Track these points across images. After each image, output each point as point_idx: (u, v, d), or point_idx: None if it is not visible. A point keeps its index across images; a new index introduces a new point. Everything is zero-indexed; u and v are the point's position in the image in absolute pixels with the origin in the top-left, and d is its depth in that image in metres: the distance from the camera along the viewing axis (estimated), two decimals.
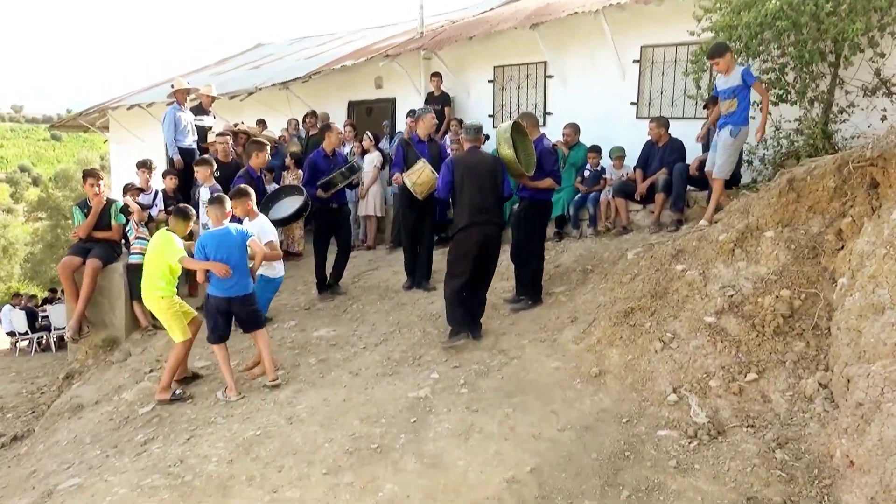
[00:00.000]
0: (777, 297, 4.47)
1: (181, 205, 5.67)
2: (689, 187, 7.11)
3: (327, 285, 7.32)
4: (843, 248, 4.56)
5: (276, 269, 5.94)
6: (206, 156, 7.73)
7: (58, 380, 6.48)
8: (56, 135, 68.19)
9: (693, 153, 7.28)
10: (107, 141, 17.83)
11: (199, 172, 7.02)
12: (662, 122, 7.34)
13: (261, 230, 5.53)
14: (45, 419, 5.75)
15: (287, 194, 6.89)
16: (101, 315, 6.68)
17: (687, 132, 7.52)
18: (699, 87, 7.26)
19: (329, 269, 7.36)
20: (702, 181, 6.95)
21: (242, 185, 5.68)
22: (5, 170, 75.95)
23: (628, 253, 6.34)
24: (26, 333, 14.19)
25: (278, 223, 6.51)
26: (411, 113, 7.11)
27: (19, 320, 14.28)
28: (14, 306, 14.95)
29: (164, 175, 7.61)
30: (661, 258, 5.63)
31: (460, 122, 9.23)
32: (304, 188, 6.80)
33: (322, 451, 3.99)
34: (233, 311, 5.20)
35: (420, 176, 6.26)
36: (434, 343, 5.65)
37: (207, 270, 5.07)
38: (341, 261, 7.32)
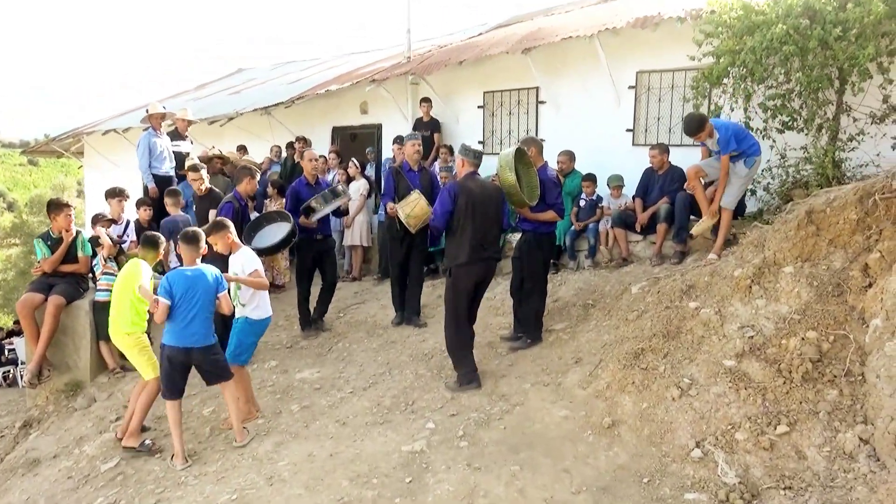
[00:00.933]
0: (803, 338, 4.12)
1: (149, 233, 5.15)
2: (692, 217, 6.80)
3: (311, 321, 6.87)
4: (871, 285, 4.23)
5: (262, 309, 5.05)
6: (174, 187, 7.33)
7: (14, 429, 5.93)
8: (33, 160, 67.00)
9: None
10: (81, 167, 17.29)
11: (168, 204, 6.66)
12: (664, 149, 7.06)
13: (245, 261, 4.97)
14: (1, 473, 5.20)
15: (270, 221, 6.41)
16: (63, 357, 6.14)
17: (686, 160, 7.22)
18: None
19: (313, 304, 6.92)
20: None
21: (220, 219, 5.14)
22: None
23: (632, 287, 5.99)
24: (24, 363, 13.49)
25: (263, 252, 6.04)
26: (398, 139, 6.74)
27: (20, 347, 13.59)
28: (12, 334, 14.25)
29: (138, 205, 7.16)
30: (669, 294, 5.28)
31: (450, 148, 8.91)
32: (289, 214, 6.37)
33: None
34: (192, 363, 4.58)
35: (414, 208, 5.86)
36: (427, 387, 5.22)
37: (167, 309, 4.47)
38: (326, 295, 6.89)
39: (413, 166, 6.61)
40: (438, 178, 8.69)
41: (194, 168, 7.19)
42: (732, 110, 6.61)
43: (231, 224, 5.04)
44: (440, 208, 5.11)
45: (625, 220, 7.11)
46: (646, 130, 8.33)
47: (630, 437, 4.05)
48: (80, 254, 6.12)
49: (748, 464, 3.62)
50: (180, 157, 8.36)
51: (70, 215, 5.99)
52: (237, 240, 5.09)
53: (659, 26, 7.50)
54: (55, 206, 6.06)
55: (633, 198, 7.26)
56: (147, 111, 8.26)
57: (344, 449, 4.34)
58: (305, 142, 10.01)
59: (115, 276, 6.08)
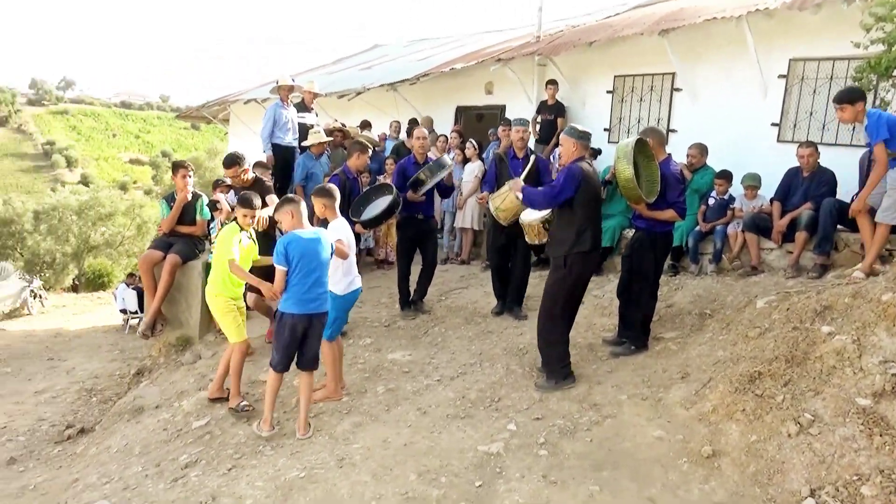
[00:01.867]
0: None
1: (245, 192, 5.15)
2: (838, 227, 5.99)
3: (410, 301, 6.81)
4: None
5: (347, 282, 4.90)
6: (261, 160, 7.53)
7: (128, 375, 6.36)
8: (195, 125, 73.11)
9: (846, 187, 6.15)
10: (227, 133, 18.44)
11: (258, 174, 6.89)
12: (816, 148, 6.25)
13: (333, 230, 4.84)
14: (107, 418, 5.59)
15: (379, 195, 6.40)
16: (177, 313, 6.50)
17: (840, 162, 6.38)
18: None
19: (414, 285, 6.85)
20: (855, 222, 5.81)
21: (323, 185, 5.19)
22: (149, 154, 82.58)
23: (758, 300, 5.35)
24: (136, 312, 14.80)
25: (369, 223, 6.07)
26: (506, 122, 6.43)
27: (131, 299, 14.89)
28: (128, 285, 15.66)
29: (253, 167, 7.33)
30: (800, 313, 4.63)
31: None
32: (392, 186, 6.31)
33: None
34: (309, 334, 4.47)
35: (504, 200, 5.57)
36: (516, 384, 4.96)
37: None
38: (425, 277, 6.79)
39: (518, 153, 6.28)
40: (555, 164, 8.32)
41: (234, 161, 6.97)
42: None
43: (335, 192, 4.97)
44: (557, 189, 4.74)
45: (758, 225, 6.39)
46: (794, 126, 7.45)
47: (731, 472, 3.58)
48: (198, 217, 6.42)
49: None
50: (304, 129, 8.55)
51: (186, 176, 6.27)
52: (336, 209, 4.94)
53: (821, 8, 6.62)
54: (175, 167, 6.37)
55: (772, 200, 6.51)
56: (277, 83, 8.51)
57: (419, 440, 4.20)
58: (416, 122, 9.98)
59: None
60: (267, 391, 4.60)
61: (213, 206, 6.54)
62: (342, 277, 4.88)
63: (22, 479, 4.83)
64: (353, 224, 6.01)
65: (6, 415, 6.35)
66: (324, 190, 5.01)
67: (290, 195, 4.81)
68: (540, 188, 5.20)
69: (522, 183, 5.33)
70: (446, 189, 6.92)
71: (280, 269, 4.31)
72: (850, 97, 5.05)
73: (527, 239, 5.52)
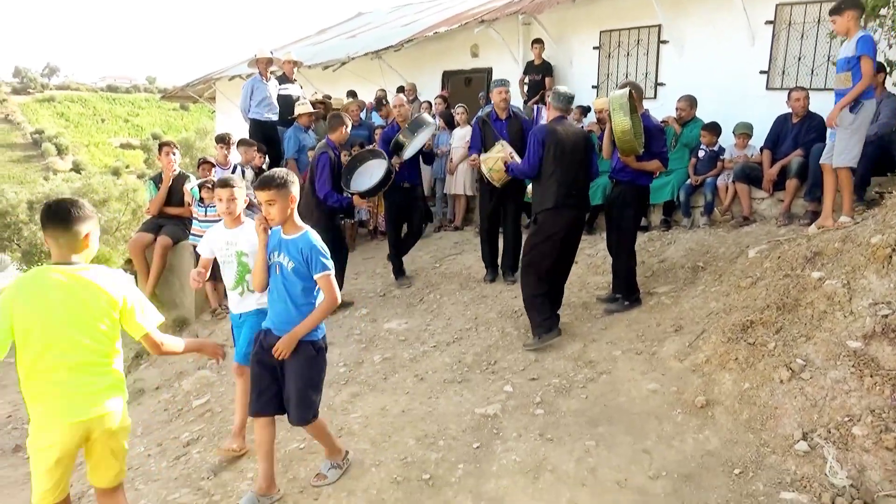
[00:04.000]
0: None
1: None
2: None
3: (402, 270, 6.83)
4: None
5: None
6: (245, 138, 7.43)
7: (128, 360, 6.38)
8: (184, 105, 72.40)
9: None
10: (213, 112, 18.23)
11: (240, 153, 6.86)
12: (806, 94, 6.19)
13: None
14: None
15: (363, 161, 6.28)
16: (171, 294, 6.50)
17: (830, 106, 6.27)
18: None
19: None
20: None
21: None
22: (140, 137, 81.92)
23: (750, 250, 5.36)
24: None
25: (367, 194, 6.02)
26: (494, 83, 6.35)
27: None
28: (125, 271, 15.70)
29: (238, 145, 7.28)
30: (791, 260, 4.64)
31: None
32: (380, 150, 6.25)
33: (366, 479, 3.46)
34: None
35: (497, 162, 5.53)
36: (511, 346, 4.99)
37: None
38: (409, 241, 6.82)
39: (501, 115, 6.21)
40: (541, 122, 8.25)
41: (221, 139, 7.15)
42: (891, 47, 5.63)
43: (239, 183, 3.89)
44: (530, 154, 4.85)
45: (749, 175, 6.37)
46: (783, 72, 7.38)
47: (725, 421, 3.62)
48: (186, 198, 6.37)
49: (864, 464, 3.10)
50: (289, 101, 8.40)
51: (170, 153, 6.21)
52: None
53: None
54: (160, 146, 6.32)
55: (761, 149, 6.47)
56: (255, 56, 8.37)
57: (417, 406, 4.24)
58: (403, 90, 9.92)
59: (199, 220, 6.32)
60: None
61: (202, 186, 6.50)
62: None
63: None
64: (349, 197, 5.99)
65: (10, 404, 6.40)
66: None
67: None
68: (520, 162, 5.18)
69: (511, 158, 5.38)
70: (428, 155, 6.85)
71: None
72: (838, 7, 4.96)
73: (499, 183, 5.57)
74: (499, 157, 5.52)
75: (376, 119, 9.57)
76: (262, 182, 3.14)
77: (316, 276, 3.17)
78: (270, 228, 3.24)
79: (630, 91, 4.98)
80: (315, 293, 3.26)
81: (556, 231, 4.85)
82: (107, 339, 2.62)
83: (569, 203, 4.81)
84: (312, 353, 3.27)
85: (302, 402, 3.28)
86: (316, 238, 3.22)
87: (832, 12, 5.07)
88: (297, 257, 3.16)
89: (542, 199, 4.83)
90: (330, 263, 3.20)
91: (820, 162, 5.29)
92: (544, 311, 4.88)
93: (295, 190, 3.19)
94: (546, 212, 4.84)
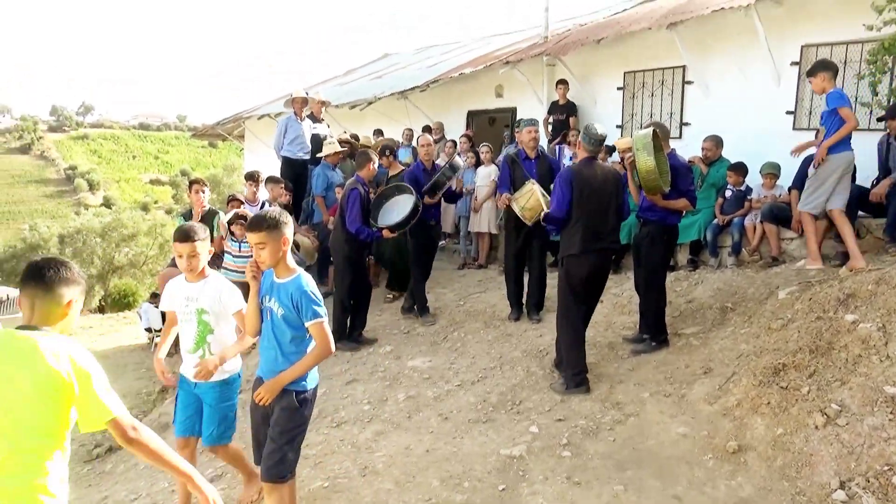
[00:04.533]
0: None
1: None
2: (859, 213, 5.89)
3: (428, 307, 6.85)
4: None
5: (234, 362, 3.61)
6: (275, 175, 7.64)
7: (154, 393, 6.43)
8: (213, 143, 74.12)
9: (865, 173, 6.06)
10: (242, 150, 18.63)
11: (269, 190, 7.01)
12: None
13: (224, 290, 3.47)
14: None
15: (389, 197, 6.42)
16: None
17: (858, 147, 6.22)
18: (876, 93, 5.99)
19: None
20: (876, 207, 5.73)
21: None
22: (169, 173, 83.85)
23: (780, 291, 5.28)
24: (160, 331, 14.99)
25: (397, 227, 6.11)
26: (523, 122, 6.44)
27: (155, 317, 15.10)
28: (152, 304, 15.88)
29: (266, 182, 7.43)
30: (823, 302, 4.56)
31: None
32: (406, 185, 6.38)
33: None
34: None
35: (529, 199, 5.57)
36: (537, 386, 4.93)
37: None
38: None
39: (530, 154, 6.27)
40: (570, 163, 8.28)
41: (250, 176, 7.50)
42: None
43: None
44: (557, 197, 4.80)
45: (777, 215, 6.30)
46: (810, 113, 7.36)
47: (758, 467, 3.52)
48: (215, 234, 6.48)
49: None
50: (317, 140, 8.60)
51: (200, 191, 6.35)
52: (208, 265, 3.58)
53: None
54: (189, 184, 6.46)
55: (790, 189, 6.41)
56: (291, 95, 8.59)
57: (442, 446, 4.19)
58: (429, 130, 10.09)
59: (233, 255, 6.45)
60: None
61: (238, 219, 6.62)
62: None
63: None
64: (379, 231, 6.12)
65: None
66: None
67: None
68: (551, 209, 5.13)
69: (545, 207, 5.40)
70: (454, 194, 6.95)
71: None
72: (813, 70, 5.42)
73: (531, 221, 5.54)
74: (531, 195, 5.55)
75: (403, 156, 9.73)
76: (252, 224, 2.95)
77: (307, 325, 2.95)
78: (262, 273, 3.07)
79: (654, 130, 5.00)
80: (307, 341, 3.03)
81: (580, 277, 4.83)
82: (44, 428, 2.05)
83: (595, 248, 4.75)
84: (294, 404, 3.02)
85: (272, 455, 3.00)
86: (308, 283, 2.99)
87: (808, 74, 5.53)
88: (287, 303, 2.95)
89: (569, 244, 4.79)
90: (322, 311, 2.96)
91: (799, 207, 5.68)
92: (579, 364, 4.78)
93: (288, 231, 2.97)
94: (571, 258, 4.80)
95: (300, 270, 3.05)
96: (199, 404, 3.56)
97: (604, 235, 4.80)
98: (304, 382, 3.08)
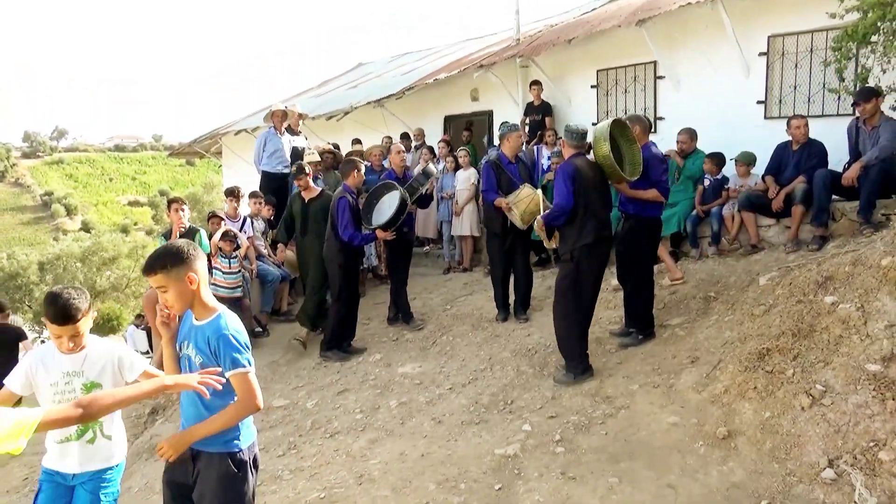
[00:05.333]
0: None
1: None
2: (833, 197, 6.00)
3: (410, 312, 6.89)
4: None
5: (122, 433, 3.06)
6: (256, 190, 7.65)
7: (144, 415, 6.37)
8: (190, 161, 73.62)
9: (836, 157, 6.17)
10: (220, 166, 18.54)
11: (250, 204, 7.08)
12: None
13: (123, 356, 2.93)
14: (126, 459, 5.59)
15: (379, 196, 6.45)
16: None
17: (828, 132, 6.41)
18: (843, 79, 6.11)
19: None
20: (849, 190, 5.84)
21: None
22: (147, 194, 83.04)
23: (760, 278, 5.37)
24: (147, 353, 14.85)
25: (388, 224, 6.15)
26: (503, 127, 6.49)
27: (141, 339, 14.96)
28: (137, 326, 15.73)
29: (249, 197, 7.43)
30: (803, 286, 4.64)
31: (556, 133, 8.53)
32: (392, 182, 6.45)
33: None
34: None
35: (529, 204, 5.65)
36: (527, 385, 4.97)
37: None
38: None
39: (511, 158, 6.34)
40: (549, 163, 8.35)
41: (230, 192, 7.52)
42: (884, 72, 5.73)
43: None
44: (563, 192, 4.81)
45: (754, 203, 6.40)
46: (780, 101, 7.49)
47: (748, 451, 3.58)
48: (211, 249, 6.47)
49: (893, 489, 3.05)
50: (296, 153, 8.59)
51: (179, 210, 6.34)
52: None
53: None
54: (169, 203, 6.44)
55: (763, 176, 6.52)
56: (270, 109, 8.58)
57: (436, 449, 4.21)
58: (408, 137, 10.31)
59: (230, 273, 6.42)
60: None
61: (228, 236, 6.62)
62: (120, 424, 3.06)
63: None
64: (373, 233, 6.18)
65: (27, 466, 6.36)
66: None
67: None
68: (550, 209, 5.16)
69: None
70: (425, 198, 6.99)
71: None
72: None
73: (545, 245, 5.54)
74: (531, 200, 5.61)
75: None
76: (146, 267, 2.43)
77: (227, 375, 2.40)
78: (175, 318, 2.55)
79: (620, 120, 5.11)
80: (234, 394, 2.45)
81: (595, 267, 4.91)
82: None
83: (605, 235, 4.89)
84: (231, 470, 2.47)
85: None
86: (230, 324, 2.46)
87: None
88: (205, 350, 2.45)
89: (579, 236, 4.81)
90: (245, 359, 2.43)
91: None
92: (582, 350, 4.87)
93: (198, 265, 2.44)
94: (585, 247, 4.81)
95: (221, 309, 2.52)
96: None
97: (607, 225, 4.96)
98: (235, 441, 2.50)
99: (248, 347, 2.47)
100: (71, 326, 2.69)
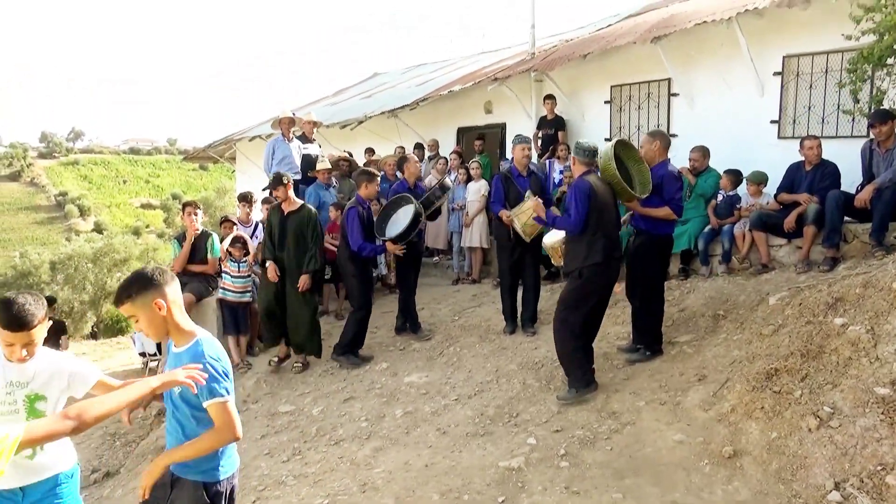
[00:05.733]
0: None
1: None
2: (845, 218, 5.98)
3: (419, 323, 6.89)
4: None
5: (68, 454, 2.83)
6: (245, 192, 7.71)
7: (150, 417, 6.41)
8: (203, 165, 74.24)
9: (849, 178, 6.16)
10: (234, 171, 18.68)
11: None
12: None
13: (75, 370, 2.78)
14: (131, 460, 5.64)
15: (396, 208, 6.50)
16: None
17: (842, 153, 6.39)
18: (857, 101, 6.11)
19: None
20: (862, 212, 5.82)
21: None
22: (160, 197, 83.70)
23: (770, 297, 5.35)
24: (155, 354, 14.91)
25: (401, 237, 6.18)
26: (516, 139, 6.53)
27: (149, 341, 15.02)
28: None
29: (262, 203, 7.50)
30: (812, 307, 4.63)
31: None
32: (408, 195, 6.47)
33: None
34: None
35: (531, 216, 5.67)
36: (533, 398, 4.97)
37: None
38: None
39: (522, 171, 6.37)
40: (560, 177, 8.38)
41: (243, 197, 7.57)
42: None
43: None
44: (577, 208, 4.80)
45: (765, 222, 6.38)
46: (794, 121, 7.48)
47: (754, 471, 3.56)
48: (209, 255, 6.52)
49: None
50: (309, 160, 8.64)
51: (192, 214, 6.40)
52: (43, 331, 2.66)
53: (810, 4, 6.69)
54: (183, 206, 6.50)
55: (775, 196, 6.51)
56: (278, 116, 8.65)
57: (440, 460, 4.21)
58: (421, 147, 10.40)
59: (232, 276, 6.46)
60: None
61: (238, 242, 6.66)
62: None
63: None
64: (382, 245, 6.24)
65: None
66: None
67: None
68: (563, 216, 5.17)
69: (545, 209, 5.46)
70: (435, 213, 7.02)
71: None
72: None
73: (553, 261, 5.54)
74: (532, 213, 5.65)
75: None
76: (115, 300, 2.39)
77: (205, 405, 2.32)
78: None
79: (623, 140, 5.21)
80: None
81: (601, 287, 4.89)
82: None
83: (615, 255, 4.87)
84: (203, 500, 2.39)
85: None
86: (209, 349, 2.38)
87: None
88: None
89: (589, 253, 4.78)
90: (223, 388, 2.33)
91: None
92: (584, 365, 4.83)
93: (167, 290, 2.33)
94: (594, 266, 4.79)
95: (201, 334, 2.44)
96: None
97: (618, 245, 4.95)
98: (214, 471, 2.43)
99: (226, 376, 2.36)
100: (25, 333, 2.53)
